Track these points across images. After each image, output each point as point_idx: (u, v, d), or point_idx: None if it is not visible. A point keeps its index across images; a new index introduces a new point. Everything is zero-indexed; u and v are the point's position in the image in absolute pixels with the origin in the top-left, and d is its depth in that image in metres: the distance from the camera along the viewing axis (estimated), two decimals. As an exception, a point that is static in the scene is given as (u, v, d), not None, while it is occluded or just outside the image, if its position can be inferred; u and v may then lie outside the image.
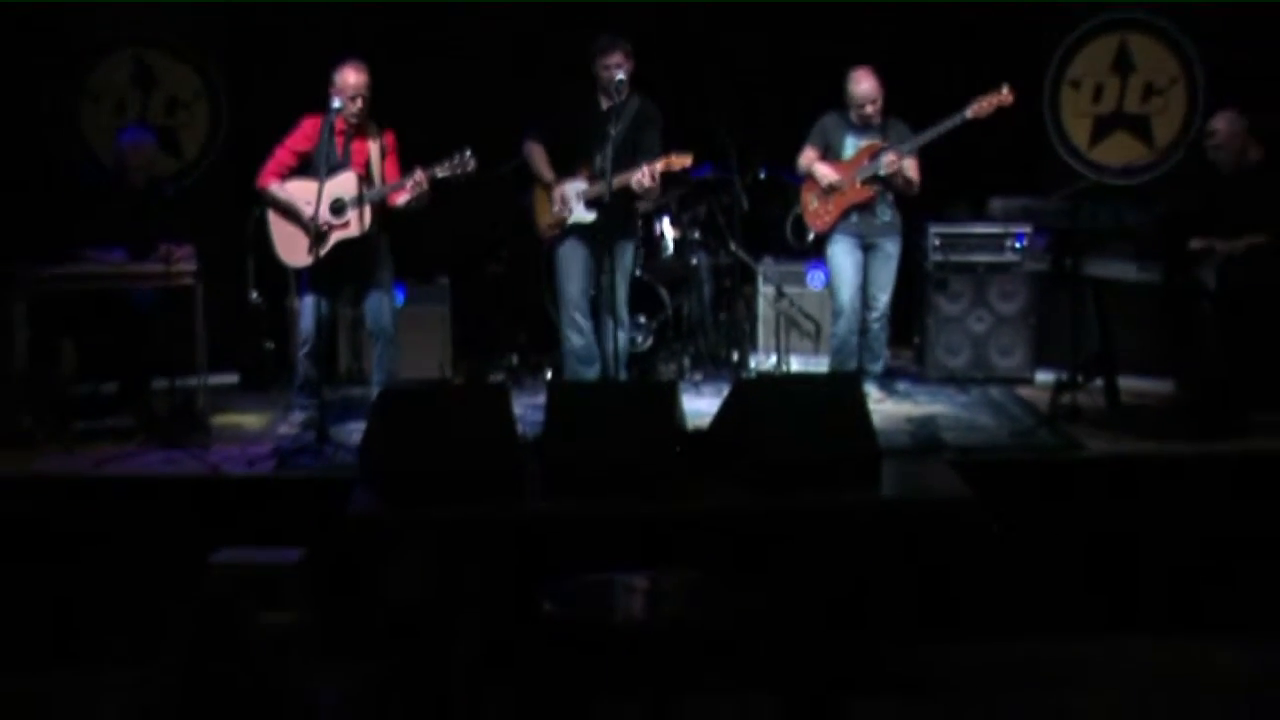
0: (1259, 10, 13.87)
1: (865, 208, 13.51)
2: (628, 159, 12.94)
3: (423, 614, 7.09)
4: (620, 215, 13.18)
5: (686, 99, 13.87)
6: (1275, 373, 12.87)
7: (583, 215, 13.19)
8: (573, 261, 13.35)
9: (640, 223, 13.67)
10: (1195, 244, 12.90)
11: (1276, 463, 12.18)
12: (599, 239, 13.21)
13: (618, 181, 12.80)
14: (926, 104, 13.47)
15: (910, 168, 13.36)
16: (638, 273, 13.70)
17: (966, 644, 11.45)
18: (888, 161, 13.29)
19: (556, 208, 13.24)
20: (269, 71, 13.65)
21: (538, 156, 13.28)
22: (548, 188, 13.26)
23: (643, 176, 12.83)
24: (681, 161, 13.02)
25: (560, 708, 6.87)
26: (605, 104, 13.05)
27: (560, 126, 13.29)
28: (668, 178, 13.20)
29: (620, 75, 12.90)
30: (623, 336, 13.38)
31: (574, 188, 13.18)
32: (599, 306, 13.40)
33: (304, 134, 12.57)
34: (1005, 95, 13.12)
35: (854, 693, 6.64)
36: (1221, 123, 12.98)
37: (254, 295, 13.29)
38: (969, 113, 13.13)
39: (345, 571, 11.01)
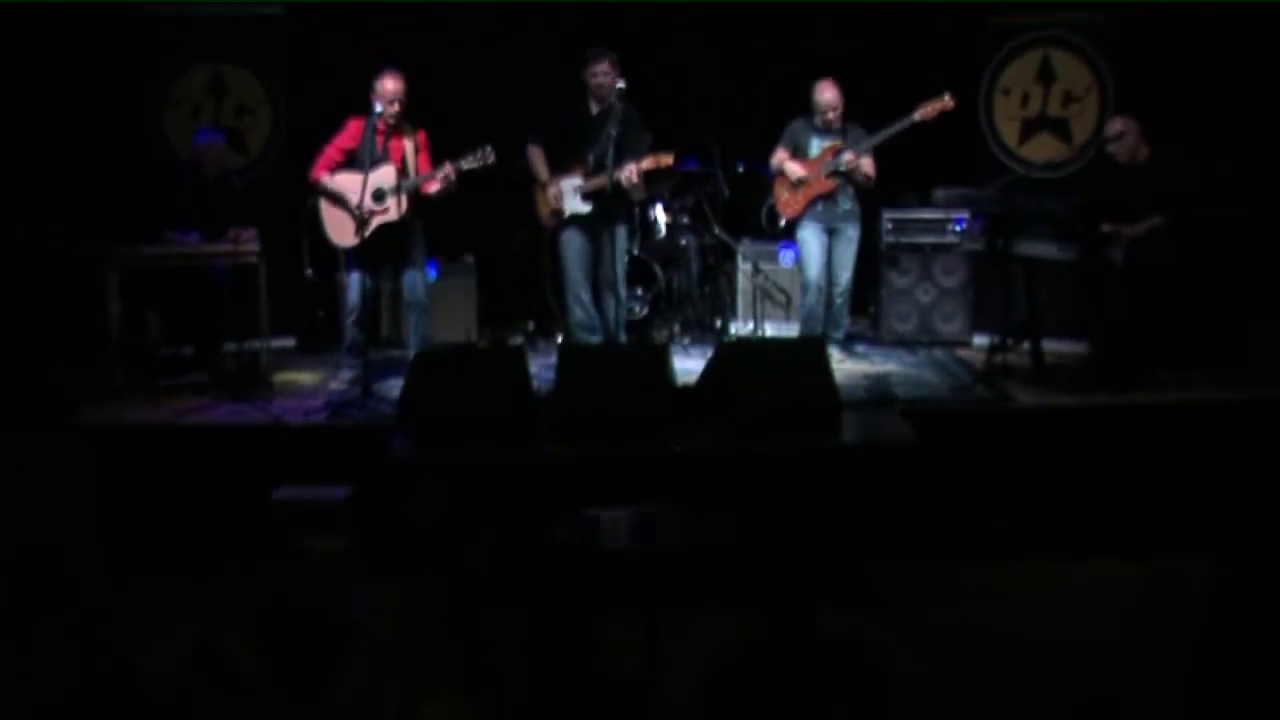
0: (1158, 30, 13.88)
1: (829, 198, 13.44)
2: (615, 158, 12.88)
3: (449, 540, 6.91)
4: (613, 205, 13.11)
5: (676, 103, 13.74)
6: (1173, 336, 12.83)
7: (578, 207, 13.13)
8: (572, 248, 13.28)
9: (635, 210, 13.57)
10: (1106, 228, 12.86)
11: (1175, 410, 12.24)
12: (595, 227, 13.17)
13: (605, 179, 12.89)
14: (880, 109, 13.40)
15: (866, 164, 13.29)
16: (635, 252, 13.64)
17: (911, 563, 11.47)
18: (847, 159, 13.27)
19: (553, 202, 13.18)
20: (320, 82, 13.56)
21: (536, 158, 13.22)
22: (543, 186, 13.21)
23: (630, 173, 12.86)
24: (664, 160, 13.04)
25: (566, 622, 6.60)
26: (595, 109, 13.07)
27: (555, 129, 13.22)
28: (656, 172, 13.21)
29: (607, 83, 12.92)
30: (620, 307, 13.30)
31: (569, 184, 13.11)
32: (599, 282, 13.30)
33: (350, 134, 12.54)
34: (947, 101, 13.15)
35: (819, 604, 6.37)
36: (1119, 124, 13.01)
37: (308, 271, 13.17)
38: (916, 116, 13.15)
39: (386, 505, 10.93)
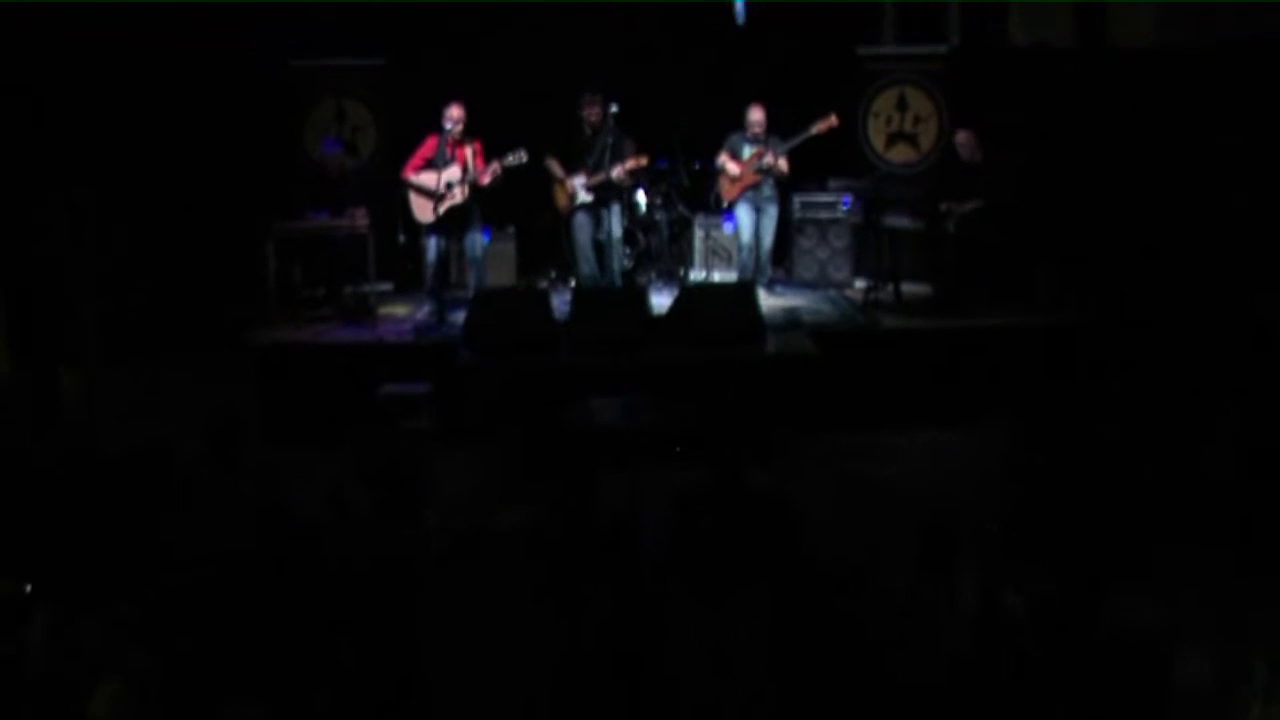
0: (977, 71, 13.93)
1: (756, 188, 13.29)
2: (609, 161, 12.93)
3: (497, 420, 6.96)
4: (608, 194, 13.08)
5: (653, 120, 13.63)
6: (987, 279, 12.77)
7: (585, 197, 13.07)
8: (582, 227, 13.18)
9: (624, 195, 13.36)
10: (943, 207, 12.87)
11: (989, 330, 12.25)
12: (597, 209, 13.13)
13: (603, 176, 12.93)
14: (790, 123, 13.25)
15: (783, 164, 13.13)
16: (625, 223, 13.41)
17: (812, 435, 11.33)
18: (768, 161, 13.12)
19: (569, 195, 13.13)
20: (408, 109, 13.44)
21: (554, 165, 13.15)
22: (561, 183, 13.16)
23: (619, 172, 12.91)
24: (643, 161, 13.06)
25: (577, 475, 6.64)
26: (589, 130, 13.09)
27: (567, 146, 13.14)
28: (638, 169, 13.13)
29: (596, 114, 13.04)
30: (617, 261, 13.29)
31: (579, 181, 13.05)
32: (600, 245, 13.26)
33: (428, 145, 12.47)
34: (833, 120, 13.04)
35: (747, 464, 6.41)
36: (962, 135, 13.03)
37: (401, 238, 13.11)
38: (813, 130, 13.04)
39: (455, 396, 10.92)
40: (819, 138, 13.11)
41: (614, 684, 5.47)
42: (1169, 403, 8.34)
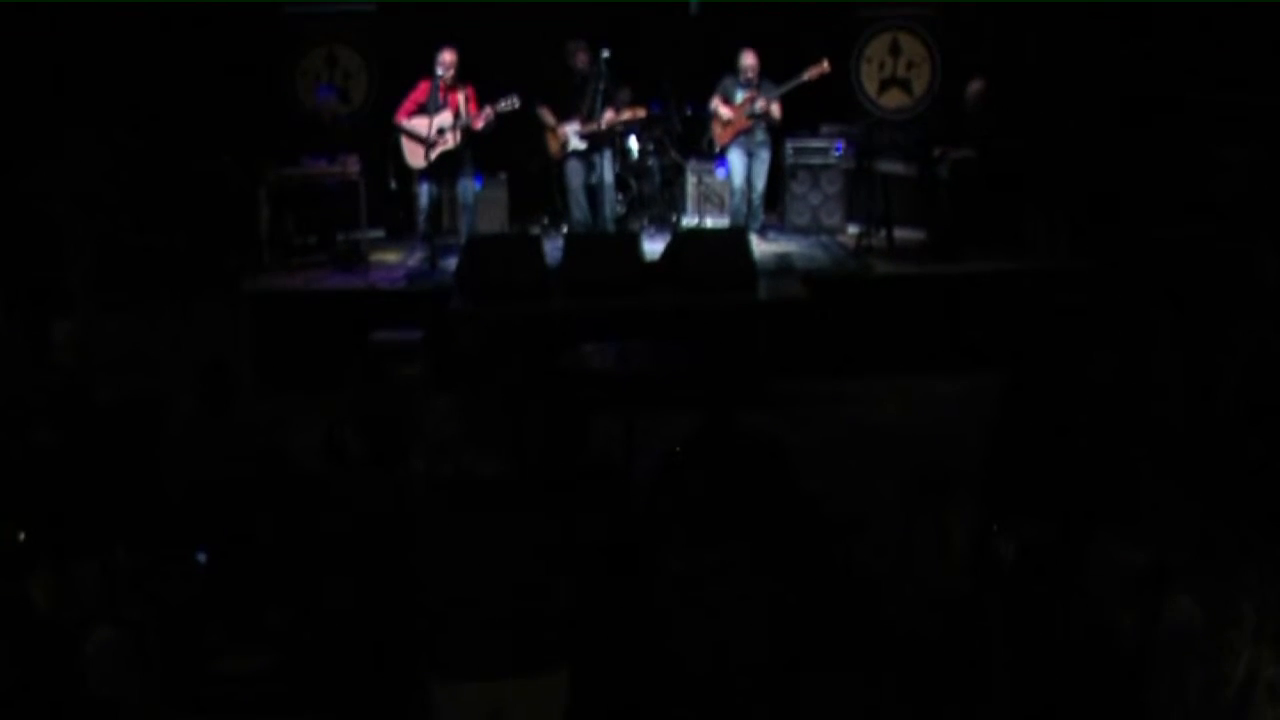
0: (970, 18, 13.91)
1: (748, 132, 13.24)
2: (601, 107, 12.96)
3: (489, 366, 6.97)
4: (600, 139, 13.08)
5: (647, 66, 13.60)
6: (979, 225, 12.82)
7: (578, 144, 13.06)
8: (575, 173, 13.18)
9: (616, 140, 13.35)
10: (936, 152, 12.89)
11: (980, 275, 12.33)
12: (589, 155, 13.12)
13: (592, 126, 13.00)
14: (783, 68, 13.22)
15: (775, 109, 13.11)
16: (616, 169, 13.40)
17: (804, 379, 11.42)
18: (760, 106, 13.08)
19: (561, 141, 13.10)
20: (400, 54, 13.38)
21: (546, 112, 13.08)
22: (553, 130, 13.11)
23: (611, 119, 13.00)
24: (639, 111, 13.20)
25: (571, 418, 6.63)
26: (578, 78, 13.04)
27: (558, 94, 13.09)
28: (632, 119, 13.28)
29: (584, 62, 13.02)
30: (610, 206, 13.28)
31: (571, 128, 13.02)
32: (593, 191, 13.23)
33: (420, 90, 12.46)
34: (825, 66, 12.99)
35: (740, 408, 6.41)
36: (977, 84, 12.94)
37: (393, 184, 13.08)
38: (805, 76, 13.00)
39: (447, 342, 10.96)
40: (811, 83, 13.07)
41: (610, 620, 5.50)
42: (1159, 349, 8.35)
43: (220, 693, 5.27)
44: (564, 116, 13.04)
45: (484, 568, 5.11)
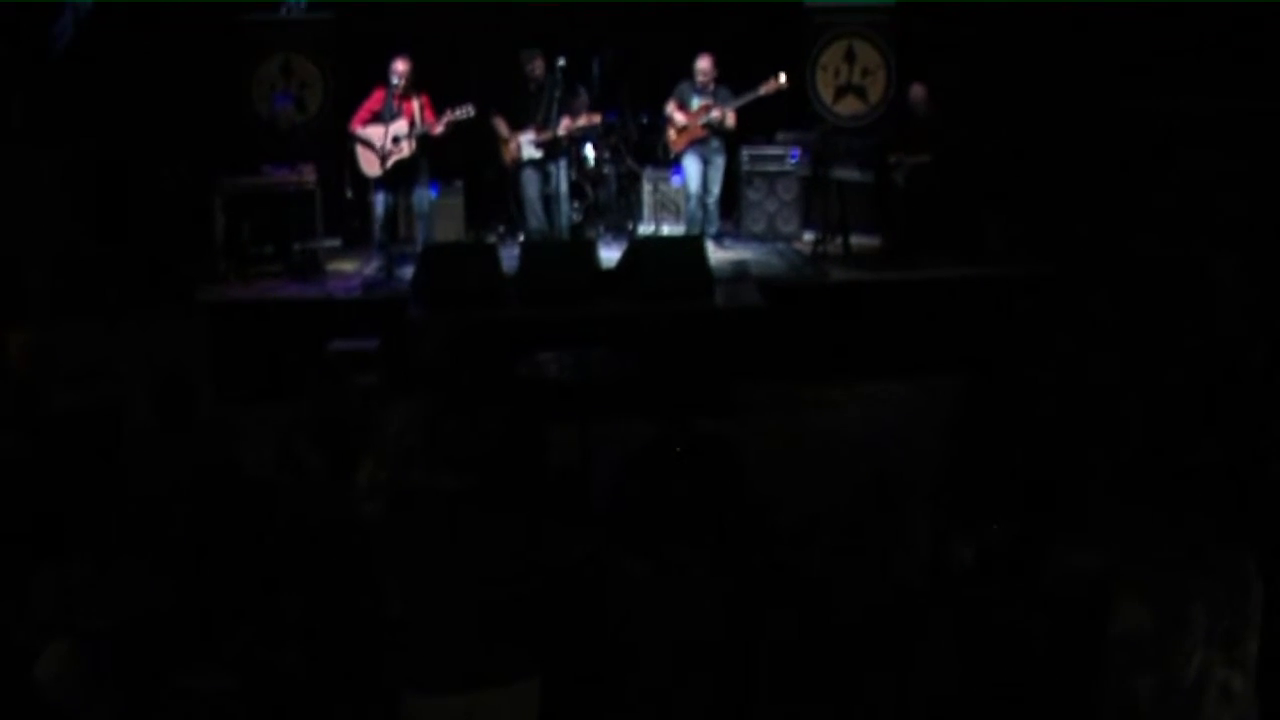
0: (924, 23, 13.96)
1: (704, 140, 13.25)
2: (556, 116, 12.91)
3: (445, 374, 6.97)
4: (555, 148, 13.06)
5: (603, 75, 13.72)
6: (935, 231, 12.83)
7: (533, 153, 13.02)
8: (530, 183, 13.14)
9: (572, 149, 13.37)
10: (892, 159, 12.93)
11: (936, 281, 12.33)
12: (544, 164, 13.08)
13: (548, 134, 12.92)
14: (740, 75, 13.26)
15: (730, 119, 13.13)
16: (573, 177, 13.41)
17: (759, 386, 11.43)
18: (715, 116, 13.10)
19: (515, 152, 13.06)
20: (356, 63, 13.40)
21: (500, 123, 13.08)
22: (506, 142, 13.09)
23: (566, 127, 12.94)
24: (595, 118, 13.14)
25: (526, 427, 6.65)
26: (534, 86, 13.03)
27: (512, 105, 13.10)
28: (588, 126, 13.23)
29: (539, 70, 12.98)
30: (565, 215, 13.26)
31: (526, 138, 12.97)
32: (549, 199, 13.21)
33: (375, 98, 12.42)
34: (781, 82, 12.98)
35: (696, 415, 6.43)
36: (917, 88, 13.06)
37: (349, 193, 13.11)
38: (761, 91, 13.01)
39: (404, 351, 10.90)
40: (767, 96, 13.10)
41: (568, 627, 5.51)
42: (1112, 356, 8.41)
43: (181, 707, 5.24)
44: (519, 125, 13.03)
45: (449, 578, 5.11)
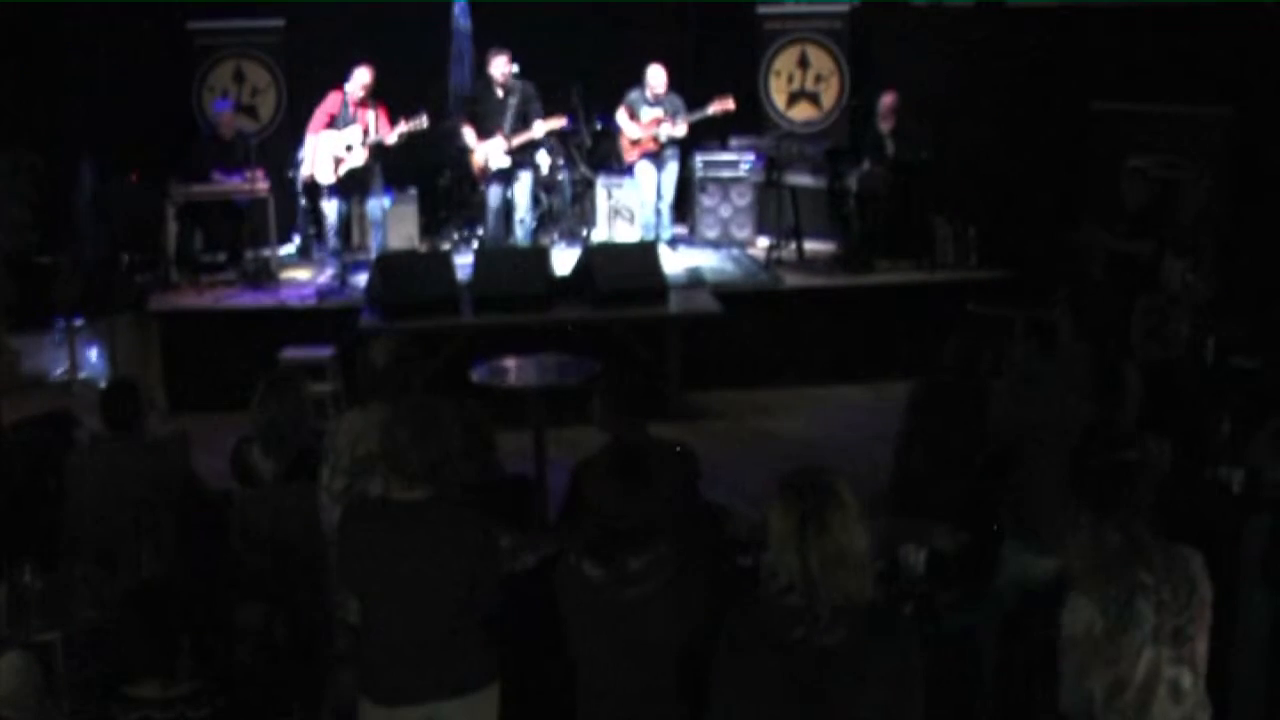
0: (877, 28, 14.14)
1: (656, 152, 13.32)
2: (522, 125, 12.86)
3: (399, 383, 6.96)
4: (521, 156, 13.04)
5: (558, 83, 13.57)
6: (888, 237, 12.92)
7: (502, 162, 12.95)
8: (493, 191, 13.11)
9: (530, 154, 13.29)
10: (844, 164, 13.05)
11: (889, 287, 12.50)
12: (510, 174, 13.03)
13: (520, 139, 12.84)
14: (692, 83, 13.51)
15: (680, 130, 13.19)
16: (532, 184, 13.36)
17: (714, 391, 11.61)
18: (667, 132, 13.18)
19: (482, 162, 12.97)
20: (308, 71, 13.39)
21: (467, 131, 13.00)
22: (473, 151, 13.00)
23: (531, 134, 12.87)
24: (556, 123, 13.08)
25: (482, 430, 6.65)
26: (500, 92, 12.92)
27: (477, 109, 13.04)
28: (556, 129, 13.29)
29: (507, 72, 12.85)
30: (522, 223, 13.24)
31: (494, 144, 12.87)
32: (509, 206, 13.18)
33: (331, 104, 12.42)
34: (729, 104, 13.08)
35: (651, 419, 6.44)
36: (889, 97, 13.09)
37: (302, 201, 13.09)
38: (710, 110, 13.11)
39: (358, 359, 10.72)
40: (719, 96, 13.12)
41: (525, 635, 5.51)
42: (1064, 360, 8.45)
43: (135, 719, 5.23)
44: (486, 133, 12.94)
45: (405, 587, 5.10)
